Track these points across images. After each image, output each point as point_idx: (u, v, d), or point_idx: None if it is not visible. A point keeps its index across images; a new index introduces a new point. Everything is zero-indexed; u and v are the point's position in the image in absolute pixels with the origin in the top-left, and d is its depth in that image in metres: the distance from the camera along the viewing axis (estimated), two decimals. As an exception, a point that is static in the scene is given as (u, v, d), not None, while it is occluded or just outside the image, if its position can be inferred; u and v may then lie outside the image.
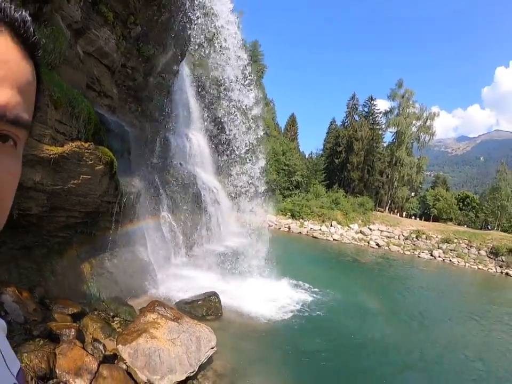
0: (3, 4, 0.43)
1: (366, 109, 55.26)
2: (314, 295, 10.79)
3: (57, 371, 3.54)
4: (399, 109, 46.82)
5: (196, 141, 16.63)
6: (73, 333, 4.26)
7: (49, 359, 3.51)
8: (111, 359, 4.45)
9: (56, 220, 5.90)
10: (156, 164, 13.15)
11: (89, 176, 6.03)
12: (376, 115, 53.62)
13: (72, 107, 5.64)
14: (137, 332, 4.76)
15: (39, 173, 5.05)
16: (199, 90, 17.12)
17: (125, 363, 4.34)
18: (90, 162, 5.93)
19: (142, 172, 10.95)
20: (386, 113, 49.46)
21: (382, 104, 54.74)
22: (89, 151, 5.84)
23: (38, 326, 4.01)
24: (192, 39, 11.46)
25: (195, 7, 10.28)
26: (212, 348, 5.13)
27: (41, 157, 4.93)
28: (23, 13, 0.45)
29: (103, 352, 4.33)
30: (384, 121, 50.34)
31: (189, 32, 11.15)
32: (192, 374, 4.64)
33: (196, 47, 12.63)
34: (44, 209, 5.42)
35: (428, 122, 46.46)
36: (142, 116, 11.43)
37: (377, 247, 30.74)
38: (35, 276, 5.43)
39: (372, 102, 54.59)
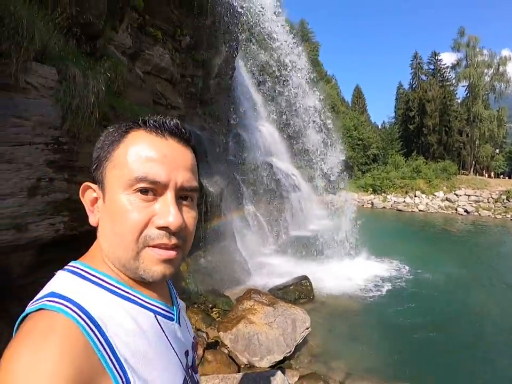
0: (190, 135, 0.77)
1: (431, 67, 50.73)
2: (404, 271, 10.30)
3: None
4: (466, 60, 41.57)
5: (266, 132, 16.90)
6: (177, 325, 4.78)
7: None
8: (213, 345, 4.88)
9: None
10: (232, 161, 13.74)
11: (175, 185, 6.59)
12: (443, 71, 48.83)
13: (147, 126, 6.19)
14: (236, 319, 5.13)
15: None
16: (258, 83, 17.31)
17: (226, 348, 4.74)
18: (173, 172, 6.46)
19: (220, 170, 11.54)
20: (454, 67, 44.58)
21: (447, 58, 49.01)
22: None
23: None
24: (240, 35, 11.67)
25: (236, 3, 10.39)
26: (307, 329, 5.30)
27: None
28: (188, 128, 0.78)
29: (206, 339, 4.79)
30: (454, 76, 45.36)
31: (236, 29, 11.37)
32: (289, 354, 4.86)
33: (245, 41, 12.79)
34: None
35: (501, 69, 40.44)
36: (210, 117, 12.01)
37: (465, 213, 28.05)
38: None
39: (436, 58, 49.68)
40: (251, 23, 11.22)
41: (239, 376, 3.72)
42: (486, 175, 41.45)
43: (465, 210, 28.42)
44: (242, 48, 15.54)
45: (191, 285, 7.00)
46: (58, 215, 4.61)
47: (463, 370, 5.38)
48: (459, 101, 46.90)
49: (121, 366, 0.60)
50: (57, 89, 4.41)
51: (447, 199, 31.18)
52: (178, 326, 0.81)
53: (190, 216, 0.74)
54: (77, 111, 4.51)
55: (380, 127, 56.44)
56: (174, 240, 0.69)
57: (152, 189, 0.68)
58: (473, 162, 43.35)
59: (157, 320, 0.73)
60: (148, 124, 0.72)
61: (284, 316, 5.22)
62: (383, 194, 32.88)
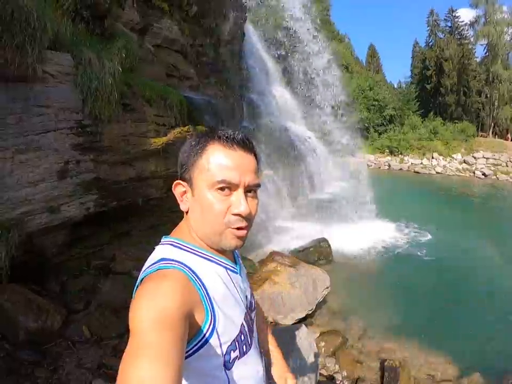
0: (252, 145, 1.02)
1: (448, 24, 46.43)
2: (419, 234, 10.39)
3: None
4: (485, 17, 37.89)
5: (279, 95, 16.66)
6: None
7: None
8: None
9: (174, 197, 6.89)
10: (248, 127, 13.76)
11: (194, 154, 6.78)
12: (461, 28, 44.67)
13: (163, 99, 6.30)
14: (260, 280, 5.49)
15: (153, 163, 5.95)
16: (269, 46, 16.82)
17: (252, 307, 5.13)
18: (193, 142, 6.64)
19: (237, 137, 11.60)
20: (472, 24, 40.38)
21: (465, 15, 44.96)
22: (189, 132, 6.48)
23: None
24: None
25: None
26: (327, 288, 5.65)
27: (151, 150, 5.78)
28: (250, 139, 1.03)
29: (232, 301, 5.17)
30: (472, 34, 41.59)
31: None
32: (310, 312, 5.25)
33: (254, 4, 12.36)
34: (163, 191, 6.38)
35: None
36: (223, 85, 11.95)
37: (483, 177, 27.20)
38: (164, 250, 6.54)
39: (453, 15, 45.44)
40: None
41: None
42: (510, 137, 39.54)
43: (483, 174, 27.63)
44: (252, 13, 15.04)
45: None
46: (88, 194, 4.94)
47: (476, 330, 5.57)
48: (478, 60, 43.53)
49: (211, 301, 0.91)
50: (74, 74, 4.58)
51: (464, 162, 30.27)
52: (240, 277, 1.11)
53: (254, 203, 1.00)
54: (96, 93, 4.68)
55: (395, 87, 53.76)
56: (244, 223, 0.96)
57: (228, 187, 0.94)
58: (492, 124, 41.09)
59: (227, 273, 1.04)
60: (222, 139, 0.97)
61: (306, 276, 5.56)
62: (400, 155, 32.05)
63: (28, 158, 4.18)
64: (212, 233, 0.98)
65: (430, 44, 48.99)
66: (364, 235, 9.40)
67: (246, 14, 13.02)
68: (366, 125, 33.49)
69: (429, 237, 10.22)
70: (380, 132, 36.29)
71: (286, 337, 3.46)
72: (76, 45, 4.76)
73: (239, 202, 0.95)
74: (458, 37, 45.16)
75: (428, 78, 46.85)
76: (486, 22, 38.17)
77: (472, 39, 42.56)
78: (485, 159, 30.15)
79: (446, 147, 32.09)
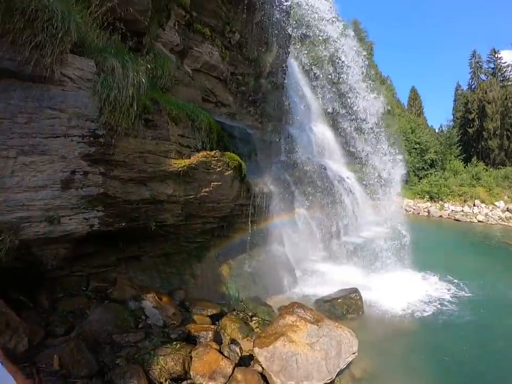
0: None
1: (491, 65, 46.17)
2: (460, 289, 9.21)
3: (192, 374, 3.65)
4: None
5: (319, 132, 16.23)
6: (210, 335, 4.40)
7: (184, 362, 3.65)
8: (247, 360, 4.42)
9: (192, 227, 6.34)
10: (284, 161, 13.28)
11: (219, 183, 6.25)
12: (504, 70, 44.23)
13: (191, 120, 5.93)
14: (275, 335, 4.60)
15: (171, 186, 5.44)
16: (312, 82, 16.63)
17: (260, 365, 4.24)
18: (218, 169, 6.13)
19: (271, 171, 11.14)
20: None
21: (508, 56, 43.79)
22: (215, 158, 6.03)
23: (176, 330, 4.27)
24: (292, 33, 11.18)
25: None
26: (353, 354, 4.61)
27: (170, 171, 5.29)
28: None
29: (239, 354, 4.34)
30: None
31: (288, 26, 10.88)
32: (329, 381, 4.25)
33: (298, 39, 12.26)
34: (180, 218, 5.86)
35: None
36: (262, 116, 11.65)
37: None
38: (176, 279, 5.92)
39: (496, 56, 45.13)
40: (303, 20, 10.69)
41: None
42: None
43: None
44: (296, 46, 15.01)
45: (231, 290, 6.65)
46: (93, 209, 4.47)
47: None
48: None
49: None
50: (95, 81, 4.28)
51: (508, 210, 28.15)
52: None
53: None
54: (115, 103, 4.33)
55: (437, 130, 52.44)
56: None
57: None
58: None
59: None
60: None
61: (329, 336, 4.57)
62: (440, 202, 30.45)
63: (32, 161, 3.83)
64: None
65: (473, 86, 48.14)
66: (399, 287, 8.32)
67: (289, 47, 12.90)
68: (406, 168, 32.39)
69: (471, 293, 8.98)
70: (420, 176, 35.01)
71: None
72: (102, 52, 4.50)
73: None
74: (501, 78, 44.30)
75: (470, 122, 45.39)
76: None
77: None
78: None
79: (489, 194, 30.35)
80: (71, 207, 4.23)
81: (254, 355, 4.40)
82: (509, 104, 41.18)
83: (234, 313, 5.80)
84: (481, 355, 5.93)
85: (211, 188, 6.11)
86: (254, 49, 9.99)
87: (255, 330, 5.39)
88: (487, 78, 45.71)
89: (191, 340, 4.28)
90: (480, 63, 47.42)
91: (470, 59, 48.50)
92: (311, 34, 11.41)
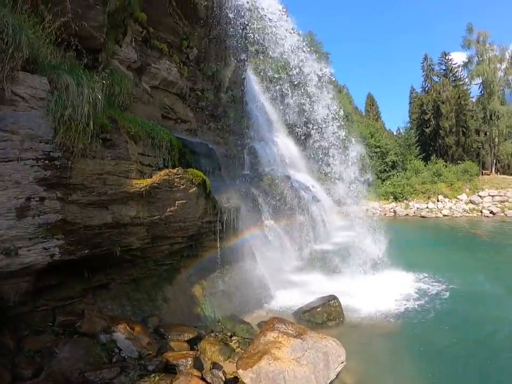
0: None
1: (443, 67, 49.91)
2: (435, 283, 9.49)
3: (176, 407, 3.41)
4: (477, 56, 39.93)
5: (282, 144, 16.41)
6: (190, 362, 4.12)
7: (166, 395, 3.40)
8: (232, 383, 4.20)
9: (160, 249, 6.04)
10: (248, 175, 13.23)
11: (184, 201, 6.05)
12: (455, 70, 47.83)
13: (152, 138, 5.73)
14: (258, 354, 4.38)
15: (134, 208, 5.15)
16: (271, 95, 16.88)
17: (247, 388, 4.04)
18: (182, 186, 5.94)
19: (236, 185, 11.03)
20: (465, 65, 42.81)
21: (458, 57, 47.85)
22: (178, 176, 5.84)
23: (153, 361, 3.96)
24: (250, 47, 11.35)
25: (241, 13, 10.04)
26: (342, 363, 4.50)
27: (132, 192, 5.02)
28: None
29: (223, 378, 4.09)
30: (466, 75, 43.93)
31: (245, 41, 11.01)
32: (321, 396, 4.11)
33: (255, 52, 12.45)
34: (146, 241, 5.55)
35: None
36: (223, 131, 11.59)
37: (491, 215, 27.14)
38: (147, 306, 5.58)
39: (446, 58, 48.91)
40: (261, 34, 10.83)
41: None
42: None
43: (491, 212, 27.50)
44: (252, 60, 15.19)
45: (207, 311, 6.37)
46: (52, 238, 4.10)
47: None
48: (473, 99, 45.76)
49: None
50: (48, 100, 3.99)
51: (471, 202, 30.21)
52: None
53: None
54: (70, 122, 4.05)
55: (395, 133, 55.21)
56: None
57: None
58: (494, 161, 41.40)
59: None
60: None
61: (315, 349, 4.43)
62: (404, 201, 32.05)
63: (-18, 188, 3.47)
64: None
65: (426, 88, 51.52)
66: (376, 289, 8.35)
67: (247, 61, 13.04)
68: (369, 172, 33.59)
69: (447, 287, 9.23)
70: (383, 178, 36.54)
71: None
72: (55, 69, 4.22)
73: None
74: (453, 79, 47.82)
75: (426, 122, 48.45)
76: (479, 61, 39.69)
77: (466, 80, 44.78)
78: (490, 197, 30.13)
79: (451, 189, 32.20)
80: (29, 237, 3.86)
81: (239, 377, 4.17)
82: (462, 102, 44.48)
83: (212, 334, 5.54)
84: (465, 348, 6.04)
85: (176, 207, 5.89)
86: (213, 64, 9.98)
87: (237, 350, 5.15)
88: (439, 79, 49.10)
89: (170, 369, 3.98)
90: (432, 66, 50.93)
91: (422, 63, 52.02)
92: (268, 47, 11.52)
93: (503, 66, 39.39)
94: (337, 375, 4.52)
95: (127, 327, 4.30)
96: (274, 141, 15.82)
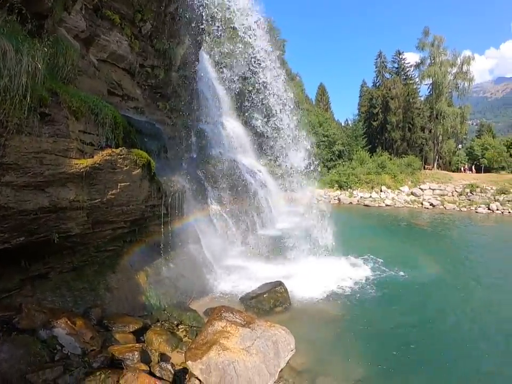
0: None
1: (395, 65, 52.44)
2: (377, 268, 10.14)
3: (124, 406, 3.26)
4: (430, 59, 42.65)
5: (231, 127, 16.18)
6: (136, 356, 3.96)
7: (113, 393, 3.24)
8: (181, 375, 4.11)
9: (101, 234, 5.67)
10: (195, 158, 12.89)
11: (127, 183, 5.69)
12: (407, 69, 50.71)
13: (95, 114, 5.24)
14: (206, 344, 4.31)
15: (73, 191, 4.73)
16: (224, 77, 16.41)
17: (197, 379, 3.98)
18: (125, 168, 5.57)
19: (182, 168, 10.69)
20: (418, 66, 45.40)
21: (411, 57, 50.74)
22: (122, 156, 5.45)
23: (98, 357, 3.74)
24: (205, 26, 10.84)
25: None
26: (292, 351, 4.61)
27: (71, 173, 4.58)
28: None
29: (172, 371, 4.01)
30: (417, 75, 46.82)
31: (201, 20, 10.50)
32: (273, 383, 4.20)
33: (212, 33, 11.95)
34: (86, 226, 5.16)
35: (464, 68, 41.79)
36: (172, 112, 11.07)
37: (431, 207, 29.19)
38: (90, 295, 5.26)
39: (400, 57, 51.54)
40: (217, 15, 10.36)
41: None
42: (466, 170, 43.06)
43: (431, 204, 29.49)
44: (209, 40, 14.58)
45: (152, 299, 6.17)
46: (-18, 225, 3.66)
47: (450, 372, 5.21)
48: (422, 99, 48.64)
49: None
50: (-20, 67, 3.47)
51: (412, 194, 32.32)
52: None
53: None
54: (5, 94, 3.58)
55: (343, 124, 57.36)
56: None
57: None
58: (437, 157, 44.96)
59: None
60: None
61: (264, 338, 4.49)
62: (349, 190, 33.49)
63: None
64: None
65: (377, 83, 53.92)
66: (321, 274, 8.69)
67: (202, 41, 12.49)
68: (316, 160, 34.53)
69: (386, 272, 9.94)
70: (329, 167, 37.95)
71: None
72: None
73: None
74: (404, 77, 50.60)
75: (374, 116, 50.88)
76: (431, 63, 42.27)
77: (417, 79, 47.69)
78: (431, 190, 32.45)
79: (394, 180, 34.18)
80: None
81: (188, 368, 4.09)
82: (411, 100, 47.23)
83: (158, 324, 5.40)
84: (406, 330, 6.53)
85: (118, 190, 5.53)
86: (166, 41, 9.36)
87: (184, 339, 5.08)
88: (391, 76, 51.34)
89: (116, 365, 3.80)
90: (385, 63, 53.19)
91: (376, 59, 53.97)
92: (225, 28, 11.09)
93: (454, 70, 42.20)
94: (287, 363, 4.64)
95: (68, 322, 3.99)
96: (224, 124, 15.56)
